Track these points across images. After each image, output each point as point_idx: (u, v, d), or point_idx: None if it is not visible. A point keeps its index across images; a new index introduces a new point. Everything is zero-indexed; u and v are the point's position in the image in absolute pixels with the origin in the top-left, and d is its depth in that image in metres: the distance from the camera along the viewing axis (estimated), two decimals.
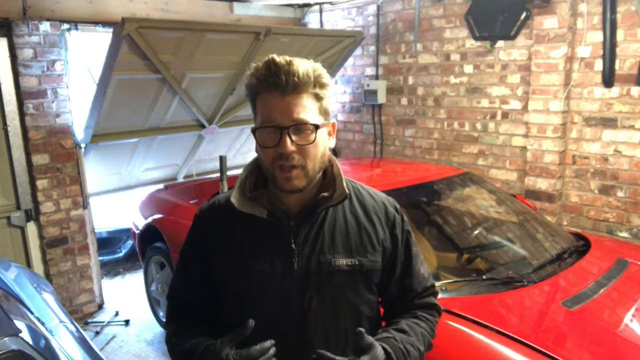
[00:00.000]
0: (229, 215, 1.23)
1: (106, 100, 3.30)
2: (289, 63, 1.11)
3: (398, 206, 1.35)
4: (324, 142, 1.19)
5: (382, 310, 1.38)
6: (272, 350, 1.13)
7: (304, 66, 1.12)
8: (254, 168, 1.27)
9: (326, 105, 1.18)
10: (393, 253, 1.29)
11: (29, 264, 3.64)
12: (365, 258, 1.24)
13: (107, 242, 4.89)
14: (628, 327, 1.99)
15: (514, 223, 2.89)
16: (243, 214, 1.20)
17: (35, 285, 2.53)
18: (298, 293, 1.20)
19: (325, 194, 1.22)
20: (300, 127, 1.12)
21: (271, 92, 1.12)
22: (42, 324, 2.07)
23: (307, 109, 1.13)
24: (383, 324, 1.34)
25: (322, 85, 1.15)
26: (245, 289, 1.24)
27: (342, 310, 1.23)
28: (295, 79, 1.10)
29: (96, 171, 4.02)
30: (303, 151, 1.13)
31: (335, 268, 1.21)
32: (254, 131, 1.17)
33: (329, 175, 1.25)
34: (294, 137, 1.12)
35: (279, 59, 1.12)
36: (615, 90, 3.30)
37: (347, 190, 1.22)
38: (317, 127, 1.14)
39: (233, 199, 1.21)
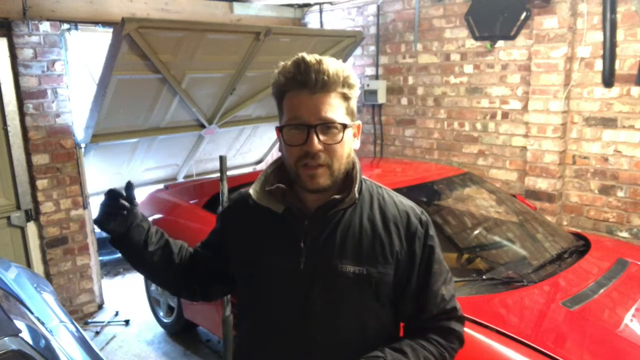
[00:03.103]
0: (251, 207, 1.25)
1: (106, 100, 3.30)
2: (319, 62, 1.11)
3: (425, 218, 1.26)
4: (349, 143, 1.18)
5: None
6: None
7: (334, 65, 1.12)
8: (281, 164, 1.27)
9: (353, 106, 1.18)
10: (409, 267, 1.22)
11: (29, 264, 3.64)
12: (375, 268, 1.18)
13: (107, 242, 4.88)
14: (628, 327, 1.99)
15: (514, 223, 2.89)
16: (262, 207, 1.22)
17: (35, 285, 2.53)
18: (302, 292, 1.19)
19: (337, 197, 1.19)
20: (329, 125, 1.12)
21: (300, 90, 1.12)
22: (42, 324, 2.07)
23: (335, 108, 1.12)
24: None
25: (350, 86, 1.15)
26: (254, 280, 1.26)
27: (345, 317, 1.20)
28: (325, 77, 1.10)
29: (96, 171, 4.01)
30: (330, 150, 1.13)
31: (340, 274, 1.18)
32: (280, 129, 1.17)
33: (348, 177, 1.22)
34: (321, 137, 1.11)
35: (309, 57, 1.12)
36: (615, 90, 3.30)
37: (356, 195, 1.20)
38: (345, 126, 1.13)
39: (252, 191, 1.24)
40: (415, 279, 1.23)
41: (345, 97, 1.15)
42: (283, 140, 1.16)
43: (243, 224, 1.30)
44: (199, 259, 1.41)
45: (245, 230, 1.29)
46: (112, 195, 1.28)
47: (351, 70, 1.16)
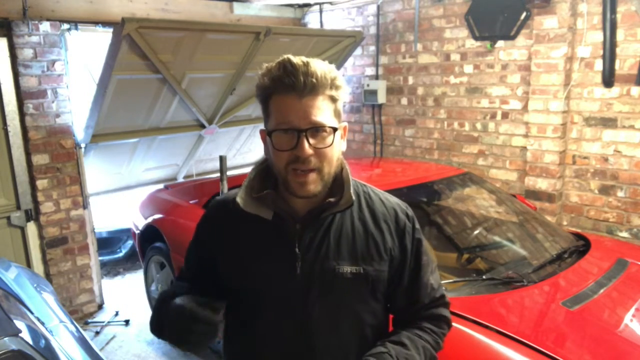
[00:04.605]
0: (236, 214, 1.21)
1: (106, 100, 3.30)
2: (306, 64, 1.09)
3: (410, 212, 1.30)
4: (338, 145, 1.17)
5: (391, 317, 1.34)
6: (219, 318, 1.09)
7: (321, 67, 1.10)
8: (263, 168, 1.25)
9: (340, 108, 1.16)
10: (401, 262, 1.25)
11: (29, 264, 3.64)
12: (371, 267, 1.20)
13: (107, 242, 4.89)
14: (628, 327, 1.99)
15: (514, 223, 2.89)
16: (249, 214, 1.19)
17: (35, 285, 2.53)
18: (300, 298, 1.18)
19: (332, 200, 1.19)
20: (318, 129, 1.10)
21: (287, 93, 1.09)
22: (42, 324, 2.07)
23: (323, 111, 1.11)
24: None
25: (338, 87, 1.13)
26: (248, 289, 1.23)
27: (344, 318, 1.20)
28: (313, 80, 1.08)
29: (96, 171, 4.02)
30: (320, 154, 1.11)
31: (338, 275, 1.18)
32: (267, 133, 1.14)
33: (337, 180, 1.21)
34: (311, 140, 1.10)
35: (296, 59, 1.09)
36: (615, 90, 3.30)
37: (353, 197, 1.19)
38: (335, 129, 1.12)
39: (239, 199, 1.20)
40: (407, 272, 1.26)
41: (333, 99, 1.13)
42: (271, 145, 1.13)
43: (229, 233, 1.25)
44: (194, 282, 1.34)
45: (232, 240, 1.25)
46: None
47: (337, 71, 1.15)
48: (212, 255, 1.28)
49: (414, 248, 1.27)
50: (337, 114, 1.15)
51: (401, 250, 1.25)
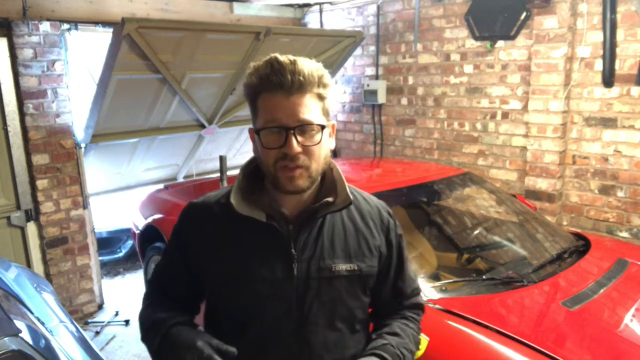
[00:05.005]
0: (224, 216, 1.20)
1: (106, 100, 3.30)
2: (294, 62, 1.10)
3: (390, 210, 1.36)
4: (326, 143, 1.18)
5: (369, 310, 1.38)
6: None
7: (308, 65, 1.11)
8: (251, 169, 1.25)
9: (328, 106, 1.17)
10: (388, 257, 1.31)
11: (29, 264, 3.64)
12: (364, 263, 1.24)
13: (107, 242, 4.89)
14: (628, 327, 1.99)
15: (514, 223, 2.89)
16: (240, 216, 1.18)
17: (35, 285, 2.53)
18: (298, 298, 1.18)
19: (330, 199, 1.19)
20: (306, 127, 1.11)
21: (275, 91, 1.10)
22: (42, 324, 2.07)
23: (311, 109, 1.11)
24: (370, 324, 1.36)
25: (325, 85, 1.14)
26: (243, 293, 1.21)
27: (339, 314, 1.22)
28: (301, 78, 1.08)
29: (96, 171, 4.01)
30: (308, 152, 1.12)
31: (335, 274, 1.20)
32: (256, 132, 1.14)
33: (328, 180, 1.23)
34: (299, 138, 1.10)
35: (283, 57, 1.10)
36: (615, 90, 3.30)
37: (351, 196, 1.21)
38: (322, 127, 1.13)
39: (233, 200, 1.19)
40: (393, 267, 1.33)
41: (321, 97, 1.14)
42: (260, 143, 1.14)
43: (217, 235, 1.22)
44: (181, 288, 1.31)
45: (222, 243, 1.21)
46: None
47: (324, 69, 1.15)
48: (195, 259, 1.25)
49: (397, 243, 1.33)
50: (325, 112, 1.16)
51: (387, 246, 1.30)
